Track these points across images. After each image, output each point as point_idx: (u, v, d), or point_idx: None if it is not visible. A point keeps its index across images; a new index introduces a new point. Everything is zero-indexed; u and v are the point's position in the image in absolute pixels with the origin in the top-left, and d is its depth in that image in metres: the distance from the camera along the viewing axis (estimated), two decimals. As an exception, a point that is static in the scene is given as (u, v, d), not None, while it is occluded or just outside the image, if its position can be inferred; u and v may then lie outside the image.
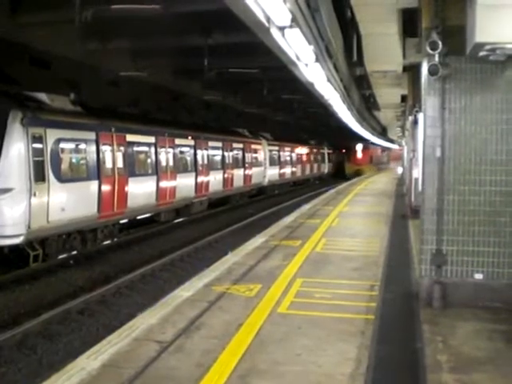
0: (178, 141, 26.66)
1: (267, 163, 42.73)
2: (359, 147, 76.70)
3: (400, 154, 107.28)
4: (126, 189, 21.06)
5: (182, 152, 27.56)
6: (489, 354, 7.67)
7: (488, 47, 8.31)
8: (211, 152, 31.44)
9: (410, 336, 8.34)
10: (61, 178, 17.30)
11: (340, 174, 73.22)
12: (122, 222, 21.97)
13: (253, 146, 39.65)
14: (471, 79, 9.55)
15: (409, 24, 14.37)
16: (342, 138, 72.41)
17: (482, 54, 8.65)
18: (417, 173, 19.83)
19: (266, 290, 10.58)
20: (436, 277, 9.67)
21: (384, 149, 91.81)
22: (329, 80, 17.93)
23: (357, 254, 14.44)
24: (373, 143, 75.73)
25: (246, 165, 37.66)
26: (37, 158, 16.26)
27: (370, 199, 31.53)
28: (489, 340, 8.20)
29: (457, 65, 9.48)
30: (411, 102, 22.73)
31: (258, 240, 16.57)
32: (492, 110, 9.51)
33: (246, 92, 37.24)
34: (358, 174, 69.12)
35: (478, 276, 9.62)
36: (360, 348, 7.72)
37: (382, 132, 62.30)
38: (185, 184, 26.96)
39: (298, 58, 14.34)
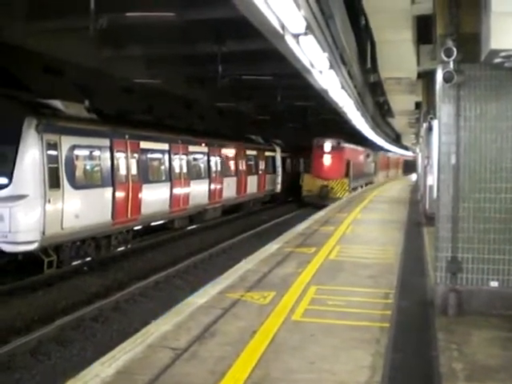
0: (191, 148, 26.71)
1: (280, 170, 42.70)
2: (327, 146, 43.59)
3: (396, 160, 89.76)
4: (140, 195, 21.10)
5: (195, 159, 27.60)
6: (503, 363, 7.60)
7: (503, 54, 8.27)
8: (225, 159, 31.47)
9: (425, 344, 8.29)
10: (75, 185, 17.36)
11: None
12: (135, 228, 22.02)
13: (266, 153, 39.68)
14: (486, 86, 9.51)
15: (423, 31, 14.34)
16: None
17: (497, 60, 8.61)
18: (431, 180, 19.76)
19: (280, 298, 10.55)
20: (451, 284, 9.61)
21: (368, 150, 57.97)
22: (343, 87, 17.94)
23: (371, 261, 14.39)
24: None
25: (260, 171, 37.65)
26: (51, 165, 16.33)
27: (383, 206, 31.45)
28: (503, 348, 8.14)
29: (472, 72, 9.44)
30: (425, 108, 22.67)
31: (272, 247, 16.54)
32: (507, 117, 9.46)
33: (259, 99, 37.30)
34: (323, 195, 41.68)
35: (494, 284, 9.55)
36: (375, 356, 7.67)
37: (396, 139, 61.82)
38: (198, 191, 26.99)
39: (312, 65, 14.36)
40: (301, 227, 21.49)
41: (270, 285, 11.63)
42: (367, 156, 57.77)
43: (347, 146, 45.60)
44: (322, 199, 40.48)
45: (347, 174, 44.07)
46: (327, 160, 43.34)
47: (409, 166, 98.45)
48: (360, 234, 19.41)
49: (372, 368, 7.25)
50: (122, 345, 8.15)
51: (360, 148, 53.11)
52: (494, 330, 8.85)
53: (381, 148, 63.66)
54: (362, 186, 52.81)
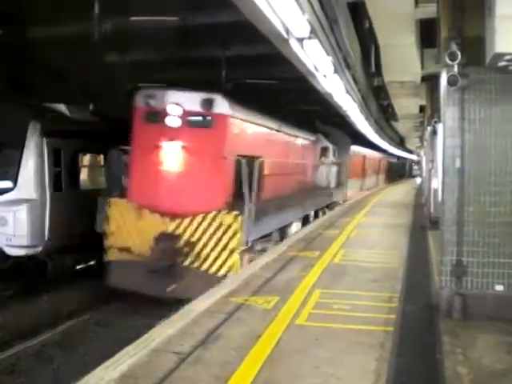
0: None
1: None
2: (172, 111, 15.72)
3: (377, 160, 61.82)
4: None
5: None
6: (509, 367, 7.56)
7: (508, 57, 8.25)
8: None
9: (430, 348, 8.26)
10: (79, 189, 17.35)
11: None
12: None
13: None
14: (491, 90, 9.48)
15: (427, 34, 14.33)
16: None
17: (501, 64, 8.59)
18: (436, 183, 19.72)
19: (284, 302, 10.51)
20: (456, 288, 9.58)
21: (323, 139, 28.90)
22: (347, 91, 17.92)
23: (376, 265, 14.34)
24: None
25: None
26: (56, 169, 16.35)
27: (387, 210, 31.38)
28: (509, 353, 8.10)
29: (476, 75, 9.41)
30: (430, 112, 22.64)
31: (275, 251, 16.51)
32: (512, 120, 9.44)
33: (263, 103, 37.24)
34: (164, 264, 14.40)
35: (499, 288, 9.52)
36: (379, 360, 7.64)
37: (400, 142, 61.53)
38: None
39: (316, 69, 14.34)
40: (304, 231, 21.43)
41: (274, 289, 11.59)
42: (324, 151, 29.54)
43: (242, 113, 17.23)
44: (160, 277, 14.55)
45: (238, 198, 15.77)
46: (174, 157, 15.69)
47: (395, 171, 76.89)
48: (364, 238, 19.35)
49: (376, 373, 7.22)
50: (126, 348, 8.12)
51: (300, 133, 25.13)
52: (500, 334, 8.81)
53: (353, 134, 34.26)
54: (304, 221, 25.41)
